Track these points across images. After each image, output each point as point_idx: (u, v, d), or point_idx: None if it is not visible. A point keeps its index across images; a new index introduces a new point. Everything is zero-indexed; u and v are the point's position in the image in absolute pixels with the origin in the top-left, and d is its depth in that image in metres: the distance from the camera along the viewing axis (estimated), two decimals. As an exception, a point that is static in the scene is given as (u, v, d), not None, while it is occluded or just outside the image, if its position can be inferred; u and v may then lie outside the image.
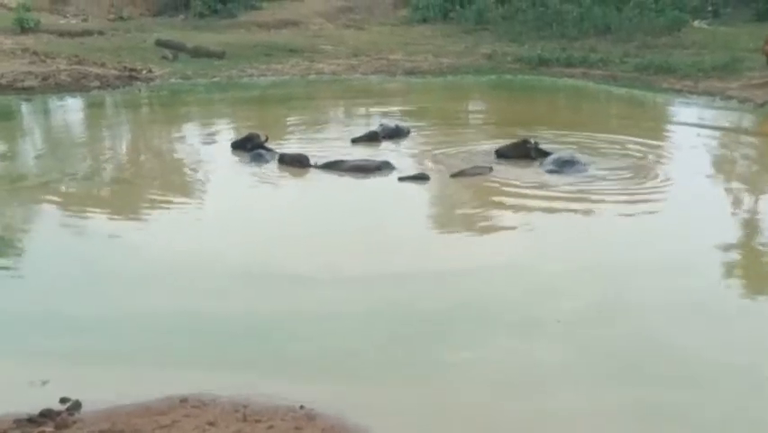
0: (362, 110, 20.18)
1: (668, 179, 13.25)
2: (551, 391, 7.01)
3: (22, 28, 28.00)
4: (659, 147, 15.61)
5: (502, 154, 14.30)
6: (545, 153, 14.01)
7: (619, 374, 7.28)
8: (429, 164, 14.19)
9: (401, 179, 13.16)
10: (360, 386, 7.13)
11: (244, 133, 15.65)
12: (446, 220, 11.71)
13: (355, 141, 15.77)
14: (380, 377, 7.31)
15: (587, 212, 11.72)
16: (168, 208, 12.12)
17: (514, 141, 14.55)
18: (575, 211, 11.73)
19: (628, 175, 13.37)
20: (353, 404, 6.74)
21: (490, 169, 13.54)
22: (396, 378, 7.28)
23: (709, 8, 31.60)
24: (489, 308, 8.57)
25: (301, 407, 6.66)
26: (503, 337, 7.99)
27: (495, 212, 11.79)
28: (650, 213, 11.80)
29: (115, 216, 11.78)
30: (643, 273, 9.43)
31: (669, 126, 18.68)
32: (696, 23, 29.74)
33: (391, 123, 16.81)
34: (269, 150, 14.64)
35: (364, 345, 7.80)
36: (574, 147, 14.96)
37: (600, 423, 6.63)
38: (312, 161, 13.93)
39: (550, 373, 7.30)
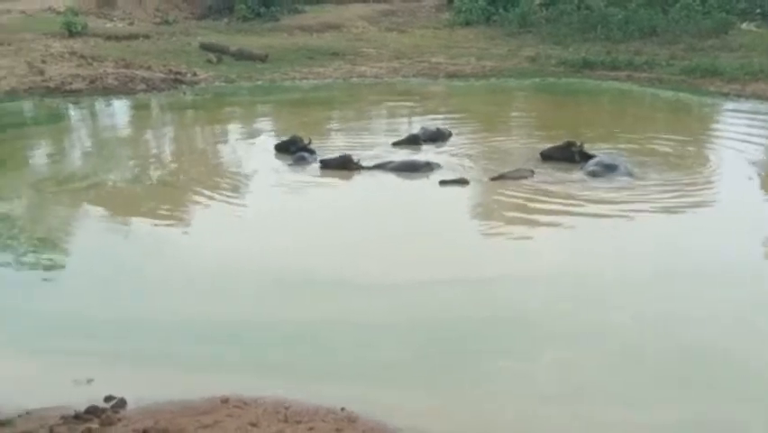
0: (404, 113, 20.16)
1: (714, 185, 13.04)
2: (595, 402, 6.91)
3: (70, 32, 28.51)
4: (706, 151, 15.36)
5: (546, 156, 14.23)
6: (589, 156, 13.87)
7: (666, 386, 7.14)
8: (470, 167, 14.14)
9: (442, 183, 13.12)
10: (400, 392, 7.11)
11: (287, 135, 15.75)
12: (487, 226, 11.61)
13: (396, 144, 15.78)
14: (422, 384, 7.27)
15: (631, 218, 11.51)
16: (211, 211, 12.21)
17: (558, 143, 14.44)
18: (619, 217, 11.53)
19: (673, 179, 13.17)
20: (394, 408, 6.74)
21: (532, 172, 13.44)
22: (437, 385, 7.25)
23: (758, 10, 31.03)
24: (532, 317, 8.47)
25: (342, 409, 6.68)
26: (546, 347, 7.88)
27: (536, 217, 11.65)
28: (696, 219, 11.62)
29: (160, 219, 11.91)
30: (688, 282, 9.28)
31: (716, 130, 18.34)
32: (744, 26, 29.27)
33: (432, 126, 16.79)
34: (311, 152, 14.74)
35: (406, 352, 7.77)
36: (618, 151, 14.80)
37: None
38: (356, 159, 14.05)
39: (594, 384, 7.19)
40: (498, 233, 11.24)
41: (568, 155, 14.06)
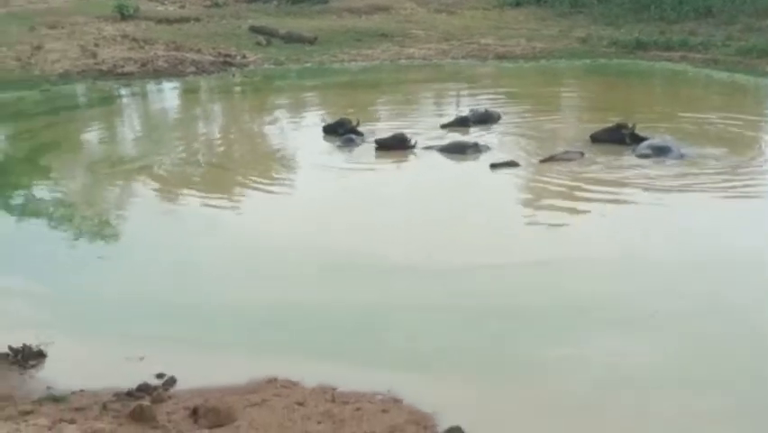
0: (453, 95, 20.02)
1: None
2: (652, 390, 6.76)
3: (122, 15, 28.87)
4: (761, 134, 14.99)
5: (596, 139, 14.01)
6: (641, 139, 13.62)
7: (725, 375, 7.00)
8: (519, 150, 14.01)
9: (493, 165, 13.01)
10: (448, 376, 7.10)
11: (336, 117, 15.76)
12: (538, 209, 11.43)
13: (445, 126, 15.69)
14: (469, 368, 7.24)
15: (684, 201, 11.32)
16: (259, 193, 12.28)
17: (608, 125, 14.21)
18: (672, 200, 11.33)
19: (728, 162, 12.88)
20: (441, 391, 6.73)
21: (582, 154, 13.27)
22: (485, 370, 7.20)
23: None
24: (586, 303, 8.34)
25: (388, 391, 6.70)
26: (601, 334, 7.75)
27: (585, 201, 11.50)
28: (752, 203, 11.34)
29: (209, 202, 12.02)
30: (744, 268, 9.09)
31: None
32: (804, 4, 28.38)
33: (481, 108, 16.67)
34: (360, 134, 14.75)
35: (455, 337, 7.73)
36: (670, 133, 14.47)
37: (704, 426, 6.40)
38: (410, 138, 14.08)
39: (651, 372, 7.06)
40: (546, 217, 11.07)
41: (618, 137, 13.82)
